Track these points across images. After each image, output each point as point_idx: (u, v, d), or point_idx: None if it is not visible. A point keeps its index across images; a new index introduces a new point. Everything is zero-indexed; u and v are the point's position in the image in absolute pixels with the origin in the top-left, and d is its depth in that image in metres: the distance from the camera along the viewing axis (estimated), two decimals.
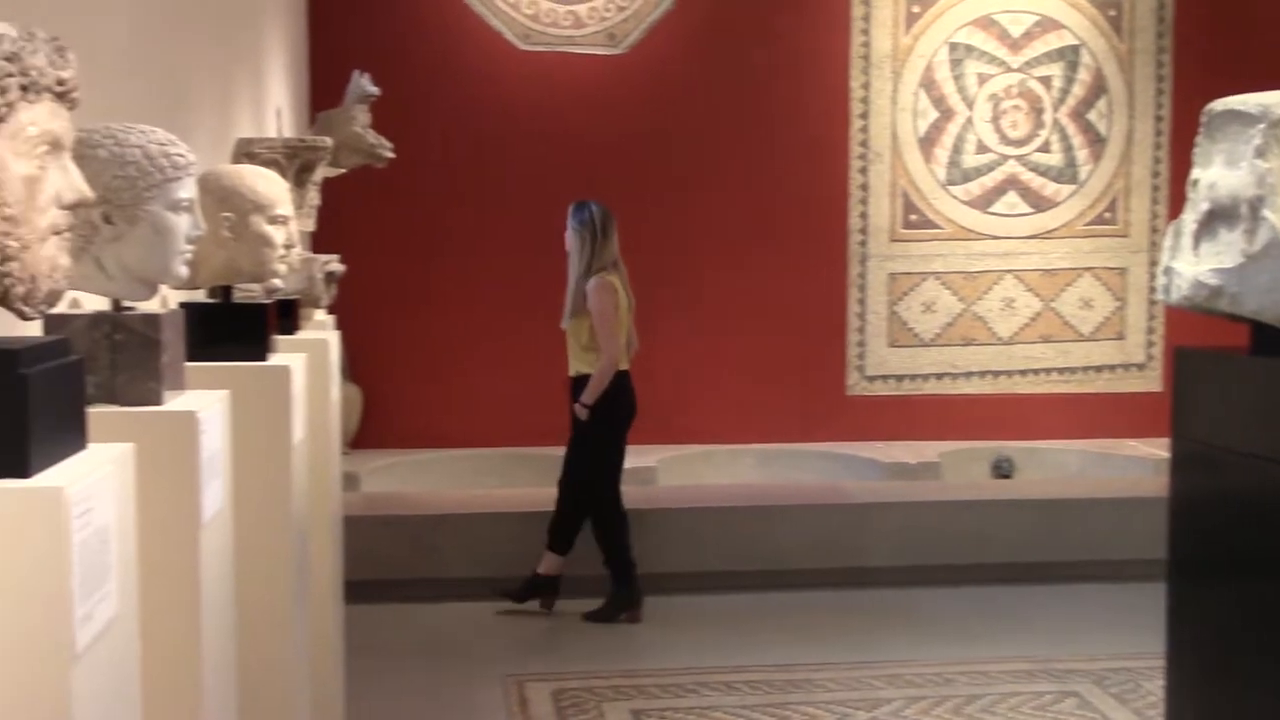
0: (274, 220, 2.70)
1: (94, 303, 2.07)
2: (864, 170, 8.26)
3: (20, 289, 1.31)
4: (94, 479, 1.34)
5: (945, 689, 4.85)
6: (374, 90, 5.33)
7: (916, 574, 6.23)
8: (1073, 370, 8.52)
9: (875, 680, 4.93)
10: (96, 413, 1.66)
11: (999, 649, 5.31)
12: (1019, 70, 8.36)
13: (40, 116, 1.32)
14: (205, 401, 1.98)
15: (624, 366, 5.76)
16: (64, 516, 1.25)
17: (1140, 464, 7.72)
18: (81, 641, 1.28)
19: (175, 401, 1.94)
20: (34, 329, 1.77)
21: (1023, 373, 8.48)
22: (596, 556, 5.77)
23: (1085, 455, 8.11)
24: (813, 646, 5.34)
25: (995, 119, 8.37)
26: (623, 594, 5.69)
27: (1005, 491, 7.07)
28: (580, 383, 5.73)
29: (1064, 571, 6.28)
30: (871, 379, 8.36)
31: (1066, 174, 8.44)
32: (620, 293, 5.72)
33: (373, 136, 5.26)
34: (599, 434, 5.72)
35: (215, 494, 1.99)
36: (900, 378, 8.39)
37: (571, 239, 5.74)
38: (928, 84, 8.29)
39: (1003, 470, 8.09)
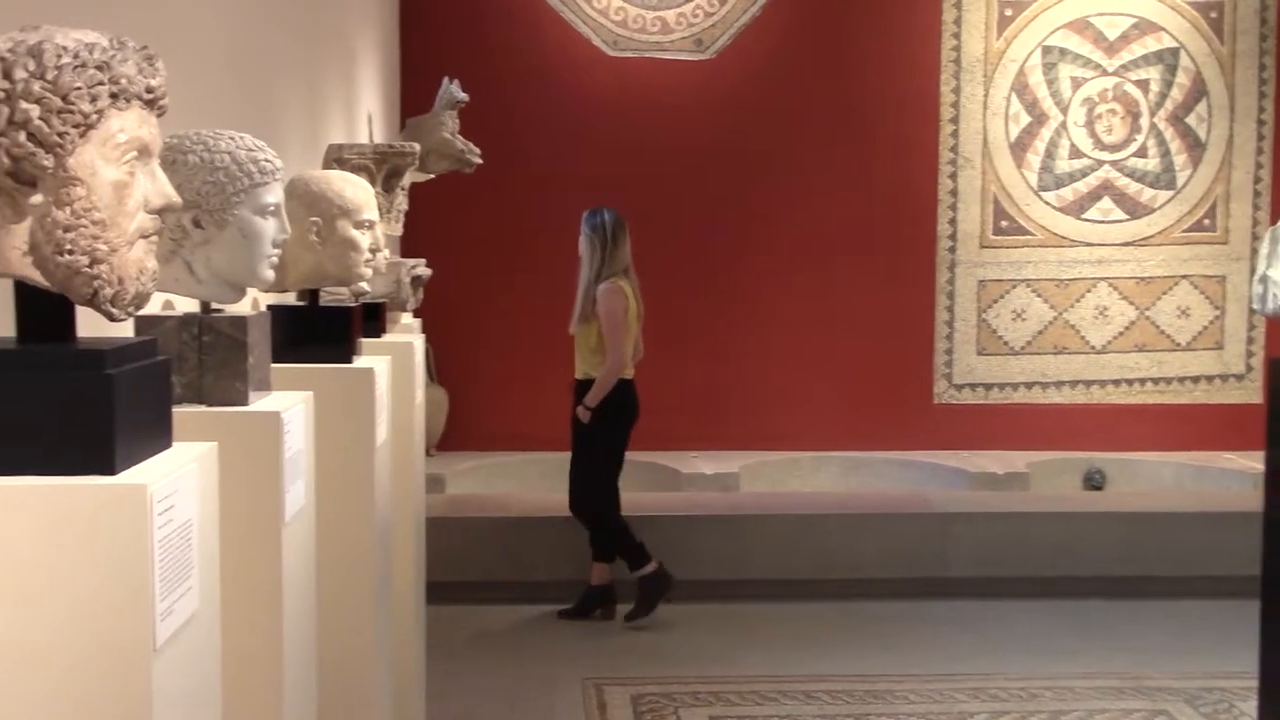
0: (360, 225, 2.74)
1: (184, 305, 2.12)
2: (954, 176, 8.15)
3: (108, 291, 1.35)
4: (177, 476, 1.37)
5: (1030, 704, 4.77)
6: (463, 96, 5.39)
7: (1001, 585, 6.13)
8: (1168, 380, 8.32)
9: (958, 693, 4.86)
10: (182, 412, 1.70)
11: (1087, 664, 5.20)
12: (1115, 74, 8.19)
13: (129, 123, 1.36)
14: (289, 402, 2.02)
15: (629, 375, 5.77)
16: (146, 513, 1.28)
17: (1238, 478, 7.52)
18: (162, 636, 1.32)
19: (260, 402, 1.99)
20: (125, 330, 1.82)
21: (1116, 382, 8.30)
22: (677, 561, 5.76)
23: (1181, 468, 7.91)
24: (895, 657, 5.28)
25: (1090, 123, 8.21)
26: (648, 580, 5.66)
27: (1093, 503, 6.92)
28: (586, 386, 5.76)
29: (1156, 586, 6.13)
30: (960, 387, 8.25)
31: (1163, 179, 8.26)
32: (630, 299, 5.73)
33: (461, 142, 5.31)
34: (601, 438, 5.72)
35: (298, 493, 2.03)
36: (989, 386, 8.26)
37: (583, 245, 5.78)
38: (1020, 88, 8.16)
39: (1094, 482, 7.93)
